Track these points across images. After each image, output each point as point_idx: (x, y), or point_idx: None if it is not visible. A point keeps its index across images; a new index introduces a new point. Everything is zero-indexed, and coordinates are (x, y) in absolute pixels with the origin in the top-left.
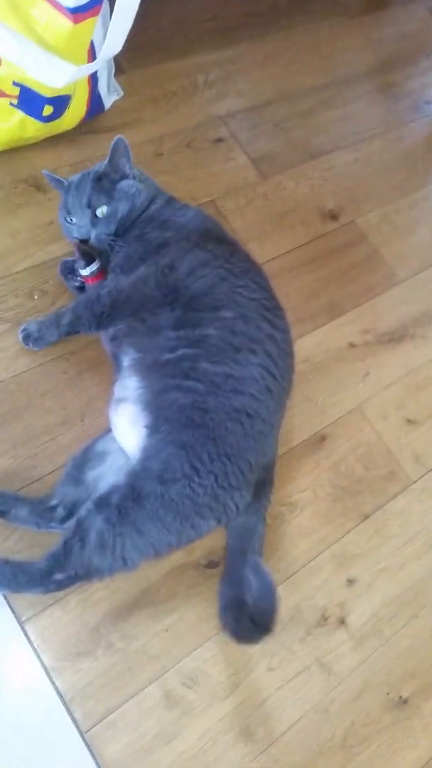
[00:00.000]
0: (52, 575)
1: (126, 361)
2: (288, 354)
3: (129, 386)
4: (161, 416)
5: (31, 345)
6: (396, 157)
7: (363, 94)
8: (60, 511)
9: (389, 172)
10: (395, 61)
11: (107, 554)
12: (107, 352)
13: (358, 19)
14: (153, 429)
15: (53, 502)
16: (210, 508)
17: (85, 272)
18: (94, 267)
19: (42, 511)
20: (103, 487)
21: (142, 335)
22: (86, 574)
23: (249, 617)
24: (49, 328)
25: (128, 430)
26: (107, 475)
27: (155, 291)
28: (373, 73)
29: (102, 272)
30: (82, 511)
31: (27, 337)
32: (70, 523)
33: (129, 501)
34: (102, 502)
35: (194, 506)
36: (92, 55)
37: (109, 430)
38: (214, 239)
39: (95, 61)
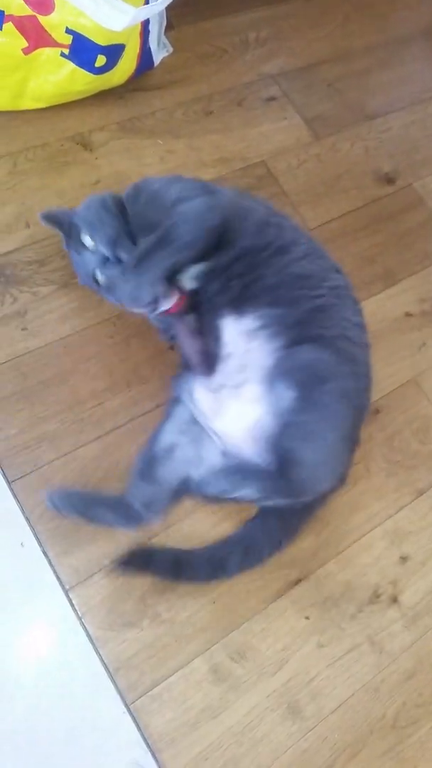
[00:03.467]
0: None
1: (236, 331)
2: None
3: (250, 363)
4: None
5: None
6: None
7: (420, 54)
8: (139, 510)
9: None
10: None
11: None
12: (185, 332)
13: None
14: (299, 398)
15: (131, 503)
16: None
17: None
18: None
19: (125, 512)
20: (178, 478)
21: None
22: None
23: None
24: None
25: (249, 413)
26: (180, 467)
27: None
28: (429, 34)
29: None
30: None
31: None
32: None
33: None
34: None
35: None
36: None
37: (165, 421)
38: None
39: (157, 2)
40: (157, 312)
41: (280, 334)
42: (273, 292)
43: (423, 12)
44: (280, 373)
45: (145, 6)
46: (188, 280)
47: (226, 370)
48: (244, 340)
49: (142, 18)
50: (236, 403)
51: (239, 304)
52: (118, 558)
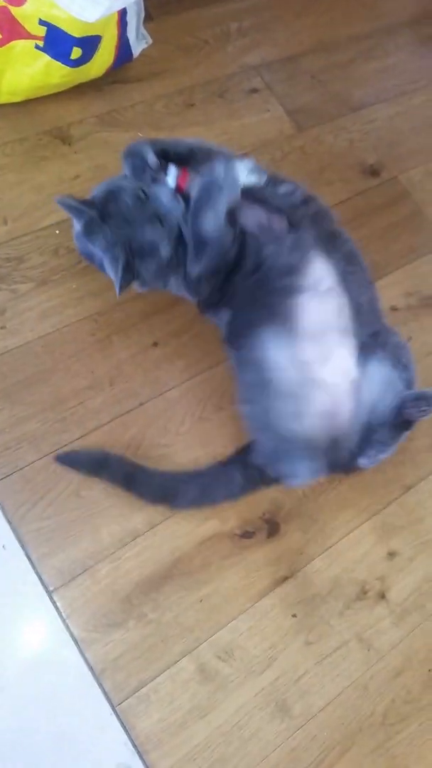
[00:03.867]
0: None
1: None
2: None
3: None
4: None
5: None
6: None
7: (405, 45)
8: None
9: None
10: None
11: None
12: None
13: None
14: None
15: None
16: None
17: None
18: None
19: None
20: None
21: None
22: None
23: None
24: None
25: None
26: None
27: None
28: (415, 24)
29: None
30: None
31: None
32: None
33: None
34: None
35: None
36: None
37: None
38: None
39: None
40: None
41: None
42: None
43: (408, 3)
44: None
45: None
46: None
47: (325, 309)
48: (336, 280)
49: (117, 8)
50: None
51: (326, 243)
52: (70, 451)
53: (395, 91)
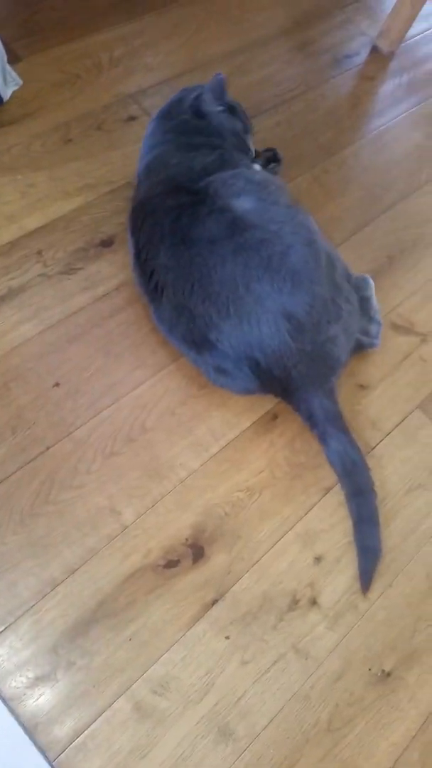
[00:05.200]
0: None
1: None
2: None
3: None
4: None
5: None
6: (320, 116)
7: (279, 55)
8: None
9: (315, 133)
10: (309, 17)
11: None
12: None
13: None
14: None
15: None
16: None
17: None
18: None
19: None
20: None
21: None
22: None
23: None
24: None
25: None
26: None
27: None
28: (287, 33)
29: None
30: None
31: None
32: None
33: None
34: None
35: None
36: None
37: None
38: None
39: None
40: None
41: None
42: None
43: (278, 13)
44: None
45: None
46: None
47: None
48: None
49: None
50: None
51: None
52: None
53: (274, 101)
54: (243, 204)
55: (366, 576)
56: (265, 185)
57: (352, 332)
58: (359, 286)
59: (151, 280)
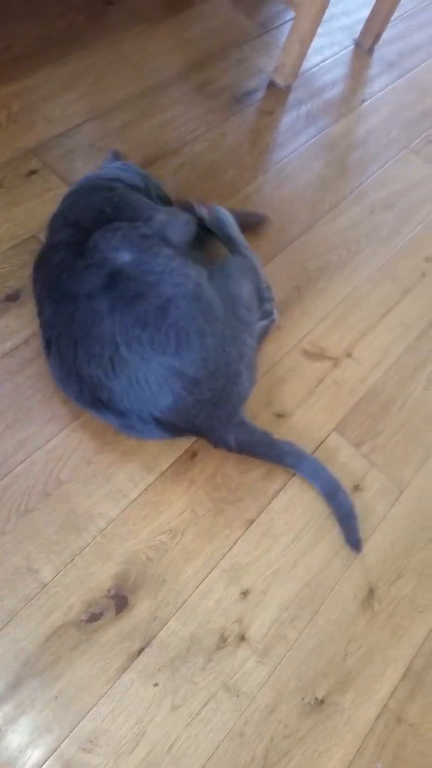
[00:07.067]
0: None
1: None
2: None
3: None
4: None
5: None
6: (222, 155)
7: (179, 97)
8: None
9: (218, 172)
10: (207, 58)
11: None
12: None
13: (162, 23)
14: None
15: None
16: None
17: None
18: None
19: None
20: None
21: None
22: None
23: None
24: None
25: None
26: None
27: None
28: (186, 75)
29: None
30: None
31: None
32: None
33: None
34: None
35: None
36: None
37: None
38: None
39: None
40: None
41: None
42: None
43: (176, 56)
44: None
45: None
46: None
47: None
48: None
49: None
50: None
51: None
52: None
53: (176, 143)
54: (122, 257)
55: (352, 536)
56: (146, 238)
57: (255, 361)
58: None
59: (43, 336)
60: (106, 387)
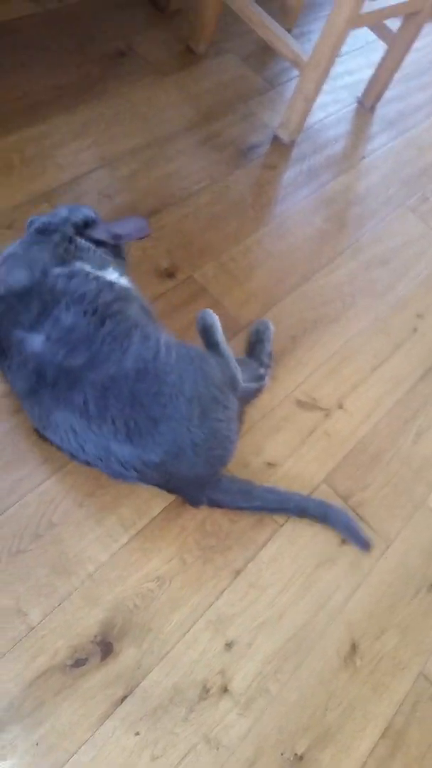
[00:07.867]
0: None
1: None
2: None
3: None
4: None
5: None
6: (225, 207)
7: (185, 149)
8: None
9: (221, 223)
10: (214, 111)
11: None
12: None
13: (172, 76)
14: None
15: None
16: None
17: None
18: None
19: None
20: None
21: None
22: None
23: None
24: None
25: None
26: None
27: None
28: (193, 127)
29: None
30: None
31: None
32: None
33: None
34: None
35: None
36: None
37: None
38: None
39: None
40: None
41: None
42: None
43: (184, 109)
44: None
45: None
46: None
47: None
48: None
49: None
50: None
51: None
52: None
53: (181, 194)
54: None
55: (357, 538)
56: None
57: (234, 436)
58: (259, 330)
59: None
60: (74, 449)
